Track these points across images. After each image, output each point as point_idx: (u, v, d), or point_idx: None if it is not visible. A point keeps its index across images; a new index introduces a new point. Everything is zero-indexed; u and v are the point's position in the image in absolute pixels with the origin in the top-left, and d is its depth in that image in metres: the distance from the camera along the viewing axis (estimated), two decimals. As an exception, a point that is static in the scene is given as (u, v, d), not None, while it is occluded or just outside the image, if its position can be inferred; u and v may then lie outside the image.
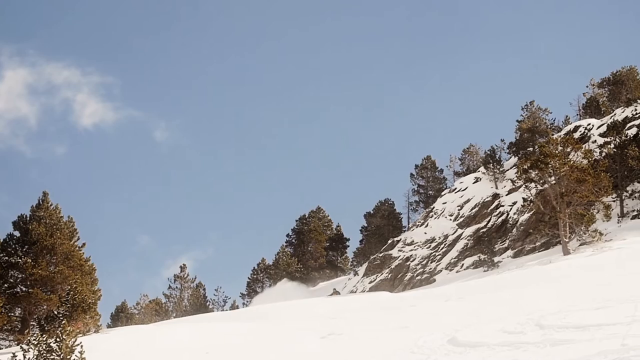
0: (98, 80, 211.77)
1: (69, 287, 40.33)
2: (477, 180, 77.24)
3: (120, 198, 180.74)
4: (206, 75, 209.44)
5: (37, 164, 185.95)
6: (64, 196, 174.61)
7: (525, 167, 52.43)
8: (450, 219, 74.91)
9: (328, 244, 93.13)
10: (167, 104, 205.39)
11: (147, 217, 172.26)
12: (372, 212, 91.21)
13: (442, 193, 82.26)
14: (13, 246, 44.90)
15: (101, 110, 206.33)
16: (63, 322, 22.22)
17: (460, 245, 70.46)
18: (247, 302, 79.47)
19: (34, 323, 43.36)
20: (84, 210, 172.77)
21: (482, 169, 78.70)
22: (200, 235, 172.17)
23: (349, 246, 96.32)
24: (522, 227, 64.19)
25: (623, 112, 67.14)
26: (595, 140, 64.13)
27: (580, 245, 48.83)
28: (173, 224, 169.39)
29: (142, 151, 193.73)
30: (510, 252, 62.77)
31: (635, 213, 53.75)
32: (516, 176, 57.25)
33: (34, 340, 19.74)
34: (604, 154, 57.30)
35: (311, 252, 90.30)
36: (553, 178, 50.42)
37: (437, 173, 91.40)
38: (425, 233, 75.66)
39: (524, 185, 55.28)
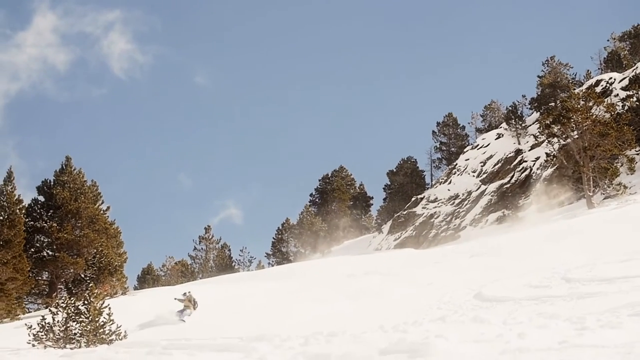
0: (138, 23, 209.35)
1: (95, 251, 40.82)
2: (499, 136, 77.00)
3: (161, 141, 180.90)
4: (253, 24, 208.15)
5: (72, 109, 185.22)
6: (103, 140, 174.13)
7: (548, 122, 52.10)
8: (473, 176, 74.79)
9: (351, 203, 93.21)
10: (209, 50, 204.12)
11: (190, 161, 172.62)
12: (395, 170, 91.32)
13: (465, 150, 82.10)
14: (38, 211, 45.32)
15: (140, 53, 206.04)
16: (90, 284, 22.43)
17: (484, 201, 70.36)
18: (272, 262, 79.68)
19: (61, 286, 43.85)
20: (124, 154, 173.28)
21: (504, 125, 78.45)
22: (241, 182, 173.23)
23: (372, 204, 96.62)
24: (545, 182, 63.93)
25: (645, 65, 66.49)
26: (618, 94, 63.58)
27: (604, 198, 48.65)
28: (216, 169, 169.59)
29: (182, 94, 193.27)
30: (534, 207, 62.48)
31: (659, 165, 53.37)
32: (538, 131, 56.80)
33: (62, 303, 19.94)
34: (626, 108, 56.82)
35: (335, 211, 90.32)
36: (575, 132, 50.08)
37: (458, 130, 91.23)
38: (449, 190, 75.65)
39: (546, 140, 55.03)
